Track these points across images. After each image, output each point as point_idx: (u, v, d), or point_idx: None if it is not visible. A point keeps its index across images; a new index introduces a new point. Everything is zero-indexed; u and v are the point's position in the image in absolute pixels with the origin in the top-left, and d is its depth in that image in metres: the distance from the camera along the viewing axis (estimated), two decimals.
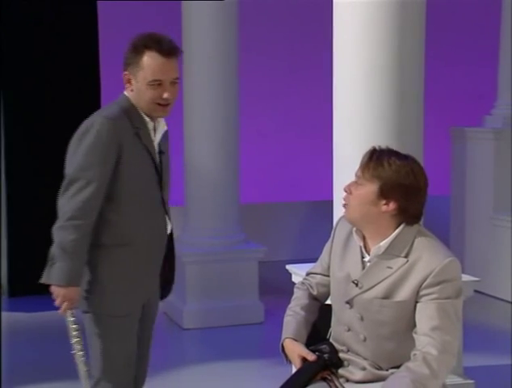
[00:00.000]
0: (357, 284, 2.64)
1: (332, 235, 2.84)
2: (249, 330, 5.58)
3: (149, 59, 2.78)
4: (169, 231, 2.99)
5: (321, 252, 2.89)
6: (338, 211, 3.85)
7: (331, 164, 3.87)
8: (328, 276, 2.82)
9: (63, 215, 2.75)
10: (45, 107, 6.38)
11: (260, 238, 6.44)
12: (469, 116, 7.22)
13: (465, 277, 4.04)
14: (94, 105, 6.13)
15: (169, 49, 2.81)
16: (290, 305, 2.85)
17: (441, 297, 2.53)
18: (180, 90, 6.13)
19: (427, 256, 2.58)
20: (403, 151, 3.72)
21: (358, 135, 3.69)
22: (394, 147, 3.63)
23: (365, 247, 2.69)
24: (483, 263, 6.28)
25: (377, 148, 2.65)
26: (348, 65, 3.73)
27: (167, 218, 2.97)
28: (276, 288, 5.99)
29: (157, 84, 2.79)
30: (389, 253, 2.61)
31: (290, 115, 7.83)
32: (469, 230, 6.53)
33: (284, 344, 2.72)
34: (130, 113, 2.85)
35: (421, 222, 2.73)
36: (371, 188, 2.59)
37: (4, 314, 6.09)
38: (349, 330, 2.69)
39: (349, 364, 2.70)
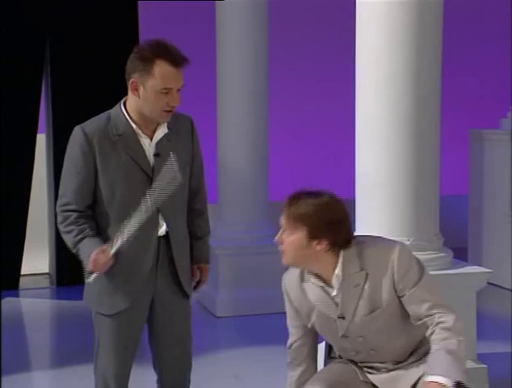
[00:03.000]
0: (343, 317, 2.67)
1: (285, 295, 2.82)
2: (277, 318, 5.22)
3: (161, 68, 2.79)
4: (161, 233, 2.94)
5: None
6: (360, 208, 3.92)
7: (354, 164, 3.95)
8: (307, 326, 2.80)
9: (58, 221, 2.94)
10: (88, 107, 6.41)
11: None
12: (487, 119, 7.19)
13: (479, 269, 4.13)
14: None
15: (180, 59, 2.83)
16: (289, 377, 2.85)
17: (415, 282, 2.62)
18: (213, 92, 6.30)
19: (378, 257, 2.64)
20: (420, 153, 3.85)
21: (378, 136, 3.76)
22: (412, 148, 3.76)
23: (325, 283, 2.67)
24: (499, 257, 6.28)
25: (291, 194, 2.67)
26: (368, 69, 3.76)
27: (161, 220, 2.92)
28: None
29: (165, 92, 2.81)
30: (347, 276, 2.64)
31: (316, 117, 7.81)
32: (486, 227, 6.51)
33: None
34: (115, 121, 2.89)
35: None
36: (299, 234, 2.60)
37: (52, 302, 6.30)
38: (357, 352, 2.75)
39: (371, 367, 2.78)
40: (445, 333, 2.59)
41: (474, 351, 4.07)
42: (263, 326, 5.54)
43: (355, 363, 2.83)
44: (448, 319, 2.61)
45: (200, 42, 7.22)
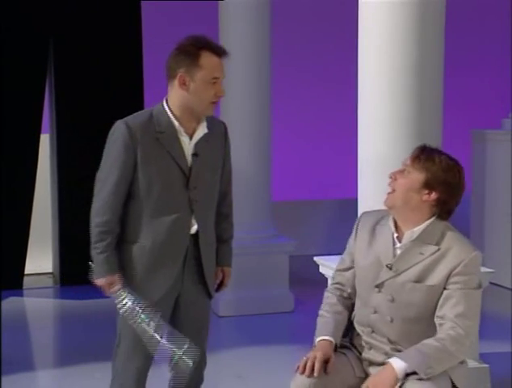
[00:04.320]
0: (391, 268, 2.74)
1: (355, 230, 2.92)
2: (279, 318, 5.66)
3: (207, 58, 2.88)
4: (193, 231, 2.99)
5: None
6: (363, 208, 3.82)
7: (356, 164, 3.96)
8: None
9: (92, 213, 2.95)
10: (92, 107, 6.47)
11: (290, 233, 6.49)
12: (489, 119, 7.23)
13: (481, 269, 4.26)
14: (138, 105, 6.32)
15: (222, 50, 2.94)
16: (320, 308, 2.91)
17: (467, 287, 2.68)
18: None
19: (458, 247, 2.71)
20: None
21: (381, 137, 3.76)
22: (414, 149, 3.83)
23: (397, 236, 2.78)
24: (500, 257, 6.32)
25: (427, 145, 2.80)
26: (371, 69, 3.77)
27: (194, 219, 2.97)
28: (305, 280, 6.13)
29: (213, 82, 2.90)
30: (421, 240, 2.73)
31: (319, 117, 7.83)
32: (488, 227, 6.58)
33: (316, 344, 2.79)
34: (158, 118, 2.93)
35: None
36: (418, 177, 2.72)
37: (55, 301, 6.31)
38: (375, 312, 2.78)
39: (371, 348, 2.81)
40: (444, 337, 2.65)
41: (476, 350, 4.08)
42: (266, 325, 5.57)
43: (356, 349, 2.84)
44: (459, 334, 2.66)
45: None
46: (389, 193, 2.79)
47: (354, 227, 2.93)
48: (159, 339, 2.90)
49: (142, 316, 2.88)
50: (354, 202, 4.00)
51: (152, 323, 2.87)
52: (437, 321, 2.71)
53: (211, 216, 3.09)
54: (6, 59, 6.32)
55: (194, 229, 2.99)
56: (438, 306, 2.71)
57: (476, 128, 6.89)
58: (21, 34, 6.37)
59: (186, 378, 3.09)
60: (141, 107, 6.50)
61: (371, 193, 3.90)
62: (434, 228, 2.75)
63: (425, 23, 3.66)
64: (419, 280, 2.71)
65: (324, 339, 2.77)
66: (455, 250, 2.71)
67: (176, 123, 2.93)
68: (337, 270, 2.97)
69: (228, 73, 5.71)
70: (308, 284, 5.85)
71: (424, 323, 2.74)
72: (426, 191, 2.72)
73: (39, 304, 6.25)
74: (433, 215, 2.75)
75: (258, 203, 5.90)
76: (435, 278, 2.70)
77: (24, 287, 6.54)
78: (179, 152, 2.94)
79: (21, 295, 6.40)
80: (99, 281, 2.94)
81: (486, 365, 4.10)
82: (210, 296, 3.11)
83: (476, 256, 2.73)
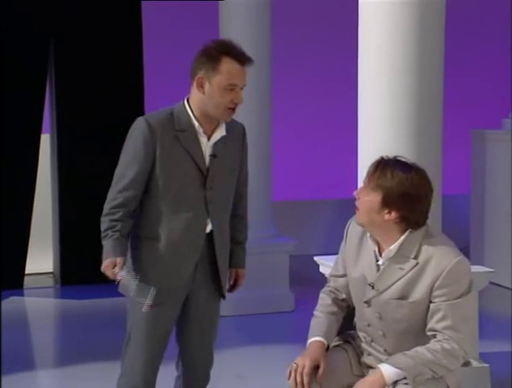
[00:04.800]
0: (373, 287, 2.71)
1: (345, 236, 2.89)
2: (280, 317, 5.70)
3: (227, 64, 2.87)
4: (207, 230, 3.00)
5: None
6: None
7: (356, 164, 3.91)
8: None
9: (105, 204, 2.96)
10: (92, 107, 6.50)
11: (291, 233, 6.51)
12: (489, 119, 7.24)
13: (481, 268, 4.07)
14: (139, 105, 6.37)
15: (245, 57, 2.91)
16: (315, 309, 2.89)
17: (452, 298, 2.62)
18: None
19: (437, 257, 2.63)
20: (422, 153, 3.84)
21: (381, 137, 3.73)
22: (415, 148, 3.71)
23: (379, 251, 2.74)
24: (501, 257, 6.33)
25: (384, 158, 2.72)
26: (371, 68, 3.75)
27: (209, 218, 2.99)
28: (305, 280, 6.14)
29: (229, 89, 2.88)
30: (399, 256, 2.67)
31: (319, 117, 7.85)
32: (488, 226, 6.56)
33: (308, 345, 2.77)
34: (179, 117, 2.94)
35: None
36: (375, 198, 2.66)
37: (56, 301, 6.33)
38: (369, 325, 2.78)
39: (370, 354, 2.81)
40: (438, 350, 2.61)
41: (476, 350, 4.06)
42: (266, 325, 5.59)
43: (355, 350, 2.85)
44: (454, 347, 2.62)
45: (203, 42, 7.24)
46: (356, 210, 2.75)
47: (345, 232, 2.91)
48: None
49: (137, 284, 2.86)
50: (354, 202, 3.97)
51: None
52: (428, 333, 2.68)
53: (227, 217, 3.10)
54: (6, 59, 6.34)
55: (208, 228, 3.01)
56: (428, 320, 2.68)
57: (475, 128, 6.90)
58: (21, 34, 6.39)
59: (195, 378, 3.12)
60: (141, 107, 6.53)
61: None
62: (411, 241, 2.67)
63: (425, 23, 3.65)
64: (402, 296, 2.68)
65: (316, 341, 2.76)
66: (434, 261, 2.64)
67: (196, 123, 2.95)
68: (332, 275, 2.96)
69: None
70: (309, 283, 5.84)
71: (416, 334, 2.72)
72: (386, 211, 2.65)
73: (39, 304, 6.26)
74: (405, 229, 2.68)
75: (259, 203, 5.88)
76: (418, 293, 2.66)
77: (25, 287, 6.56)
78: (198, 152, 2.95)
79: (21, 295, 6.42)
80: (104, 263, 2.90)
81: (486, 365, 4.08)
82: (223, 296, 3.12)
83: (458, 263, 2.64)
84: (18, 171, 6.45)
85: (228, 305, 5.61)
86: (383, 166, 2.69)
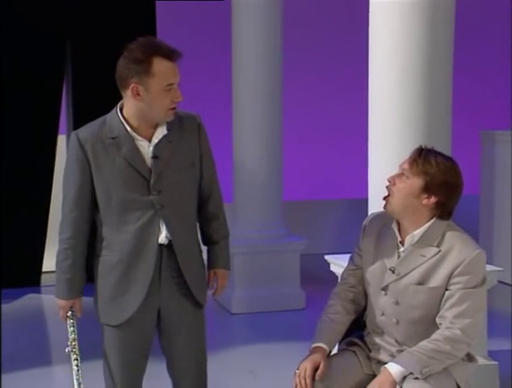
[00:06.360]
0: (393, 271, 2.76)
1: (362, 231, 2.92)
2: (291, 315, 5.74)
3: (159, 65, 2.68)
4: (162, 241, 2.79)
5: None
6: (373, 208, 3.80)
7: (367, 164, 3.98)
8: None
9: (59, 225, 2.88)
10: (109, 108, 6.57)
11: (301, 232, 6.55)
12: (498, 120, 7.29)
13: (490, 267, 4.05)
14: None
15: (174, 52, 2.72)
16: (324, 311, 2.90)
17: (467, 286, 2.68)
18: (229, 93, 6.36)
19: (458, 247, 2.70)
20: None
21: (391, 137, 3.77)
22: None
23: (400, 241, 2.80)
24: (509, 256, 6.34)
25: (424, 147, 2.78)
26: (381, 70, 3.76)
27: (162, 226, 2.78)
28: (316, 278, 6.20)
29: (168, 89, 2.69)
30: (422, 242, 2.73)
31: (330, 118, 7.87)
32: (497, 227, 6.61)
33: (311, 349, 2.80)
34: (111, 125, 2.78)
35: (452, 218, 2.74)
36: (416, 182, 2.71)
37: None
38: (383, 314, 2.81)
39: (380, 348, 2.84)
40: (438, 337, 2.67)
41: (485, 348, 4.11)
42: (277, 322, 5.63)
43: (367, 346, 2.88)
44: (455, 333, 2.68)
45: (216, 43, 7.30)
46: (386, 197, 2.78)
47: (362, 228, 2.94)
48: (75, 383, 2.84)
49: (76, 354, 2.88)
50: (364, 202, 4.02)
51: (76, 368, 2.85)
52: (438, 321, 2.73)
53: (190, 219, 2.88)
54: (24, 60, 6.40)
55: (163, 236, 2.79)
56: (441, 307, 2.73)
57: (485, 129, 6.90)
58: (38, 36, 6.45)
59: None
60: None
61: (381, 194, 3.90)
62: (435, 229, 2.74)
63: (435, 25, 3.66)
64: (421, 282, 2.72)
65: (317, 346, 2.80)
66: (455, 250, 2.70)
67: (129, 128, 2.77)
68: (347, 270, 2.97)
69: (240, 75, 5.94)
70: (319, 282, 5.89)
71: (429, 324, 2.76)
72: (426, 196, 2.71)
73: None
74: (433, 216, 2.75)
75: (270, 203, 5.97)
76: (437, 280, 2.71)
77: (42, 284, 6.59)
78: (136, 156, 2.76)
79: (38, 292, 6.45)
80: (58, 301, 2.88)
81: (495, 363, 4.12)
82: (199, 305, 2.90)
83: (478, 255, 2.71)
84: (35, 171, 6.51)
85: (241, 303, 5.83)
86: (426, 153, 2.75)
